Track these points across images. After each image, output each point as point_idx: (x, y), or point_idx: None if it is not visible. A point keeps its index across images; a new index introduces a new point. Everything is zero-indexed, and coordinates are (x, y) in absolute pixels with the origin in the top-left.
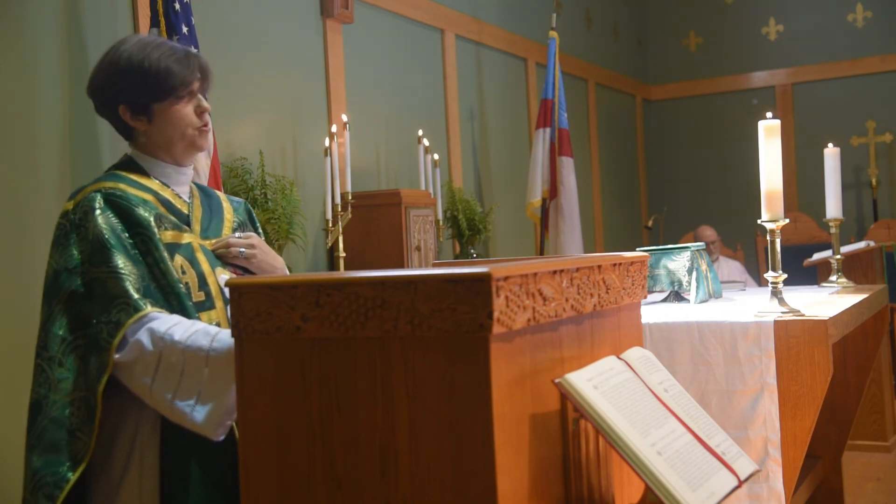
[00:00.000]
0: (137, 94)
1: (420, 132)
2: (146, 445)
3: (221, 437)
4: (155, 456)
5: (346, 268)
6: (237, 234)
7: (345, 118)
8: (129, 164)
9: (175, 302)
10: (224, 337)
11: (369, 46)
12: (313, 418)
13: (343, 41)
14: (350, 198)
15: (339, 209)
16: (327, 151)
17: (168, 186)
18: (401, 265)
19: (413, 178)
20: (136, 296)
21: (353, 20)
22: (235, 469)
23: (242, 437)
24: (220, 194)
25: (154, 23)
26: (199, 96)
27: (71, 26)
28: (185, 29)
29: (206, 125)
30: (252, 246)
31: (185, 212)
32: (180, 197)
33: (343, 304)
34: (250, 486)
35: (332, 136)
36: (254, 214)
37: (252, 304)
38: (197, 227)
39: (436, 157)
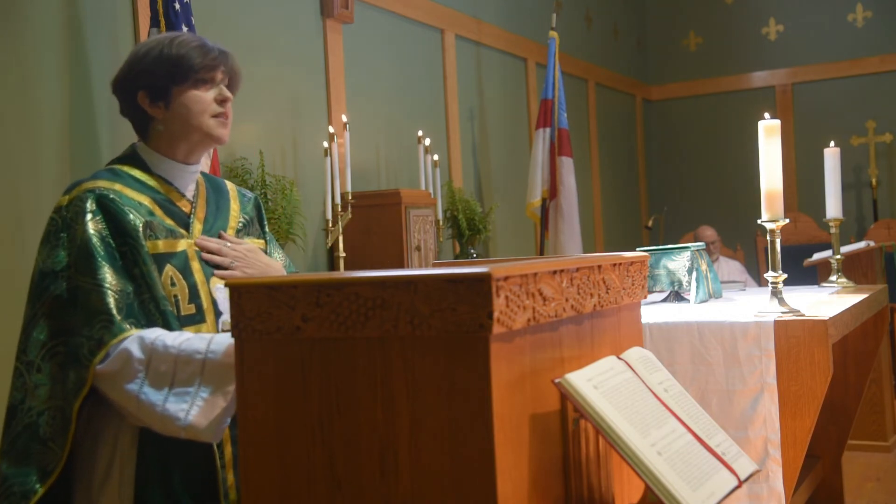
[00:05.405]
0: (156, 77)
1: (420, 132)
2: (126, 455)
3: (217, 441)
4: (134, 466)
5: (346, 268)
6: (228, 244)
7: (345, 118)
8: (132, 159)
9: (159, 319)
10: (221, 339)
11: (369, 46)
12: (313, 418)
13: (343, 41)
14: (350, 198)
15: (339, 209)
16: (327, 151)
17: (171, 184)
18: (401, 265)
19: (413, 178)
20: (118, 317)
21: (353, 20)
22: (212, 478)
23: (242, 437)
24: (231, 187)
25: (154, 23)
26: (222, 86)
27: (71, 26)
28: (184, 29)
29: (226, 114)
30: (237, 259)
31: (187, 212)
32: (184, 196)
33: (343, 304)
34: (250, 486)
35: (331, 136)
36: (262, 211)
37: (252, 304)
38: (199, 226)
39: (436, 157)
